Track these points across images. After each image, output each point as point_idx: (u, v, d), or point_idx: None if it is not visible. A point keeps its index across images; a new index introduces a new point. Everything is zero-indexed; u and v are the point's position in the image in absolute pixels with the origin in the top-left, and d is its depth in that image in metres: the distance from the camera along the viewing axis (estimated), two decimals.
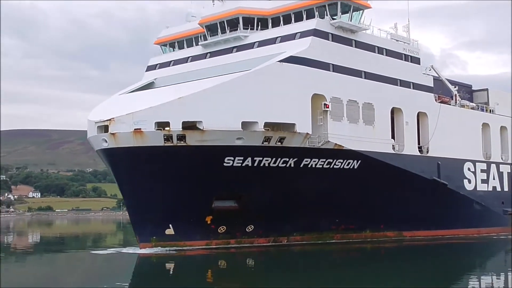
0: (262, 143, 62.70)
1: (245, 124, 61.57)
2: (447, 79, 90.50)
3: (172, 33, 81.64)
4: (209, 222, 64.82)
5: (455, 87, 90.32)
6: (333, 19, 70.66)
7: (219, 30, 74.10)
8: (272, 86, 63.97)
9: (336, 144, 67.89)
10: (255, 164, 63.63)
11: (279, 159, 64.61)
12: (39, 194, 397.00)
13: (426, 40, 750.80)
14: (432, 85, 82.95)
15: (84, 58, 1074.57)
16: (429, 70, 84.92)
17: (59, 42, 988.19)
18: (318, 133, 66.74)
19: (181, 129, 59.98)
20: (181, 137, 60.12)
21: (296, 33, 69.21)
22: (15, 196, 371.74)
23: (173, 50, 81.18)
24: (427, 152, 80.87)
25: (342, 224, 73.24)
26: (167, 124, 59.97)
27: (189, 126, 60.85)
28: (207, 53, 75.32)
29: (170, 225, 63.79)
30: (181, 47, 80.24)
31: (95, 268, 55.25)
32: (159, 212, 62.83)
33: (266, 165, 64.22)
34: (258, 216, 66.29)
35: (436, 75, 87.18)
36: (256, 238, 67.99)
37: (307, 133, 65.00)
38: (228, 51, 72.99)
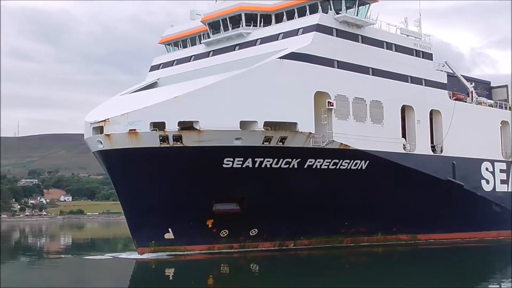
0: (263, 143, 60.30)
1: (243, 124, 59.24)
2: (463, 76, 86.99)
3: (176, 32, 79.67)
4: (210, 225, 62.74)
5: (471, 83, 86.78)
6: (338, 14, 68.02)
7: (221, 27, 72.08)
8: (272, 84, 61.55)
9: (341, 143, 65.22)
10: (256, 166, 61.24)
11: (281, 160, 62.12)
12: (71, 197, 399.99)
13: (455, 39, 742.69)
14: (446, 82, 79.73)
15: (113, 63, 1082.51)
16: (443, 66, 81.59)
17: (88, 47, 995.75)
18: (322, 132, 64.22)
19: (177, 130, 57.84)
20: (178, 138, 58.08)
21: (299, 28, 66.80)
22: (47, 200, 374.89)
23: (178, 49, 79.15)
24: (441, 151, 77.72)
25: (352, 227, 70.63)
26: (162, 124, 57.89)
27: (188, 127, 58.79)
28: (210, 51, 73.24)
29: (169, 229, 61.75)
30: (185, 46, 78.36)
31: (89, 275, 53.29)
32: (157, 216, 60.86)
33: (268, 166, 61.80)
34: (262, 219, 63.95)
35: (451, 71, 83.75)
36: (261, 242, 65.68)
37: (310, 133, 62.43)
38: (231, 49, 70.88)
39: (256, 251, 64.38)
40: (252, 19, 70.73)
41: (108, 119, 59.35)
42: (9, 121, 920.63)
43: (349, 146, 65.77)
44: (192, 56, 75.12)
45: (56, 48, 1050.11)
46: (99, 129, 60.13)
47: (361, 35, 70.28)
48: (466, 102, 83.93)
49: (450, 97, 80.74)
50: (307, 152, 63.06)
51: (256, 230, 64.83)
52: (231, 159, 60.09)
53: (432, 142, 77.77)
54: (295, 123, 61.75)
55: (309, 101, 63.52)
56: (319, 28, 66.20)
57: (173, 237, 61.72)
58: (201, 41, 75.09)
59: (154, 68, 78.95)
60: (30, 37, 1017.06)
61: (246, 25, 70.56)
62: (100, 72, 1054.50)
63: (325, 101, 65.04)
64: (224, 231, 63.36)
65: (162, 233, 61.57)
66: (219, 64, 68.76)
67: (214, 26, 72.76)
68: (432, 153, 76.58)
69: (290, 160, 62.53)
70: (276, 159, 61.84)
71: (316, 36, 65.69)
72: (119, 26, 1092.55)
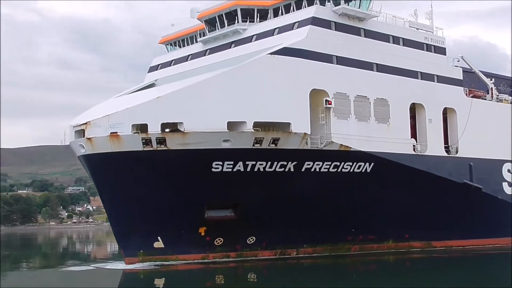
0: (253, 145, 56.48)
1: (231, 125, 55.61)
2: (482, 71, 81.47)
3: (175, 31, 76.89)
4: (203, 233, 59.28)
5: (491, 79, 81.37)
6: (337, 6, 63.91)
7: (217, 24, 68.69)
8: (262, 81, 57.78)
9: (341, 145, 60.97)
10: (248, 169, 57.47)
11: (275, 163, 58.13)
12: None
13: (502, 40, 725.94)
14: (461, 78, 74.73)
15: None
16: (458, 61, 76.43)
17: (131, 55, 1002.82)
18: (320, 133, 60.10)
19: (160, 132, 54.43)
20: (161, 141, 54.76)
21: (294, 22, 62.94)
22: (94, 207, 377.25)
23: (179, 49, 76.06)
24: (456, 152, 72.69)
25: (359, 234, 66.34)
26: (145, 126, 54.77)
27: (174, 129, 55.55)
28: (207, 49, 69.98)
29: (159, 238, 58.41)
30: (184, 45, 75.29)
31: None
32: (145, 224, 57.70)
33: (261, 169, 57.91)
34: (260, 226, 60.19)
35: (468, 67, 78.58)
36: (260, 251, 61.99)
37: (305, 133, 58.36)
38: (226, 46, 67.55)
39: (255, 260, 60.83)
40: (248, 14, 67.17)
41: (89, 121, 56.52)
42: (56, 129, 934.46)
43: (350, 148, 61.49)
44: (189, 55, 72.10)
45: (100, 56, 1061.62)
46: (82, 133, 57.22)
47: (364, 29, 65.98)
48: (485, 99, 78.72)
49: (466, 94, 75.73)
50: (303, 155, 59.04)
51: (254, 238, 61.18)
52: (220, 163, 56.45)
53: (446, 142, 72.85)
54: (288, 123, 57.79)
55: (304, 99, 59.44)
56: (315, 21, 62.14)
57: (163, 245, 58.52)
58: (198, 40, 71.82)
59: (152, 69, 76.18)
60: (75, 47, 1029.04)
61: (243, 21, 67.08)
62: (143, 80, 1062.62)
63: (322, 100, 60.91)
64: (219, 239, 59.87)
65: (151, 242, 58.37)
66: (215, 63, 65.43)
67: (211, 23, 69.59)
68: (445, 154, 71.74)
69: (285, 163, 58.58)
70: (269, 162, 57.96)
71: (312, 29, 61.64)
72: (160, 34, 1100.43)
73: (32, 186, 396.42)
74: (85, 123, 56.66)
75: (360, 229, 65.83)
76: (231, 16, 67.62)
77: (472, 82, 78.56)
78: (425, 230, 69.94)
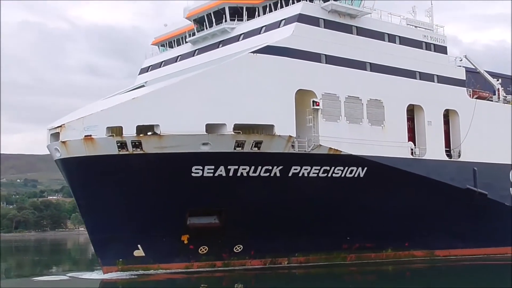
0: (234, 148, 53.67)
1: (210, 127, 52.89)
2: (489, 72, 77.60)
3: (168, 32, 74.76)
4: (186, 241, 56.51)
5: (497, 80, 77.50)
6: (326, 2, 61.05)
7: (206, 23, 66.22)
8: (244, 81, 55.12)
9: (330, 148, 57.83)
10: (230, 174, 54.65)
11: (259, 167, 55.24)
12: None
13: None
14: (464, 78, 71.21)
15: None
16: (460, 60, 72.83)
17: None
18: (308, 136, 57.10)
19: (135, 135, 51.91)
20: (137, 144, 52.19)
21: (281, 20, 60.21)
22: None
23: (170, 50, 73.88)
24: (459, 156, 69.23)
25: (355, 242, 63.26)
26: (120, 129, 52.27)
27: (153, 133, 53.05)
28: (195, 50, 67.64)
29: (139, 246, 55.76)
30: (175, 45, 73.04)
31: None
32: (124, 231, 55.06)
33: (244, 174, 55.06)
34: (246, 234, 57.37)
35: (472, 67, 74.87)
36: (248, 260, 59.07)
37: (290, 136, 55.39)
38: (214, 46, 65.22)
39: (243, 269, 58.06)
40: (237, 13, 64.66)
41: (63, 124, 54.21)
42: None
43: (341, 151, 58.37)
44: (178, 56, 69.93)
45: (129, 63, 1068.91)
46: (58, 136, 55.05)
47: (356, 26, 62.95)
48: (491, 100, 75.00)
49: (470, 95, 72.16)
50: (289, 159, 56.08)
51: (241, 246, 58.36)
52: (200, 167, 53.76)
53: (448, 146, 69.36)
54: (272, 126, 54.95)
55: (289, 100, 56.54)
56: (302, 18, 59.23)
57: (143, 254, 55.81)
58: (186, 40, 69.58)
59: (143, 71, 74.26)
60: (104, 54, 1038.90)
61: (231, 20, 64.61)
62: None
63: (309, 101, 57.90)
64: (203, 248, 57.11)
65: (130, 250, 55.73)
66: (202, 63, 63.10)
67: (200, 22, 67.39)
68: (447, 158, 68.25)
69: (270, 167, 55.68)
70: (253, 167, 55.13)
71: (298, 27, 58.73)
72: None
73: (62, 192, 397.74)
74: (60, 126, 54.45)
75: (356, 237, 62.94)
76: (219, 15, 65.22)
77: (478, 83, 75.08)
78: (426, 238, 67.00)
